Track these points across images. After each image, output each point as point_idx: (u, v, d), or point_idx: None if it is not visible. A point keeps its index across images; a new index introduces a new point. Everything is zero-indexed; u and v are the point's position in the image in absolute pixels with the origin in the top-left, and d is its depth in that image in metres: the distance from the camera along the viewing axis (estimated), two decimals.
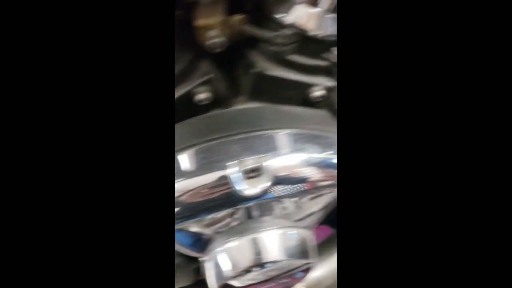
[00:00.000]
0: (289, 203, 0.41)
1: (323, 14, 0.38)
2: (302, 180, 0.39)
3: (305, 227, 0.42)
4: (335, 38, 0.40)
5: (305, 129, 0.39)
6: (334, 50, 0.40)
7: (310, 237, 0.41)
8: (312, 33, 0.38)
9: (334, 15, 0.39)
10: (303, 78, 0.40)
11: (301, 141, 0.39)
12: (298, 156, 0.38)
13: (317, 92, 0.41)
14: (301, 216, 0.42)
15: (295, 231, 0.40)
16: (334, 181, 0.39)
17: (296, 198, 0.40)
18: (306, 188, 0.39)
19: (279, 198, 0.39)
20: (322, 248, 0.49)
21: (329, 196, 0.40)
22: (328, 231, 0.51)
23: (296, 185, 0.39)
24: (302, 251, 0.39)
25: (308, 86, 0.41)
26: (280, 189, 0.38)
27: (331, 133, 0.40)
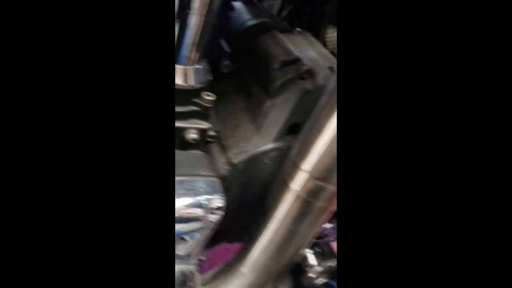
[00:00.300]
0: (189, 239, 0.44)
1: (187, 68, 0.41)
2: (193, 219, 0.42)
3: (189, 263, 0.45)
4: (204, 85, 0.44)
5: (180, 174, 0.42)
6: (204, 95, 0.44)
7: (193, 272, 0.44)
8: (178, 85, 0.41)
9: (199, 67, 0.42)
10: (176, 123, 0.43)
11: (180, 186, 0.42)
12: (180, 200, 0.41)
13: (192, 135, 0.44)
14: (186, 252, 0.46)
15: (177, 268, 0.43)
16: (209, 221, 0.43)
17: (196, 234, 0.44)
18: (201, 225, 0.43)
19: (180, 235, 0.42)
20: (216, 277, 0.53)
21: (205, 231, 0.44)
22: (223, 258, 0.54)
23: (192, 223, 0.42)
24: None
25: (182, 129, 0.44)
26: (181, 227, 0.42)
27: (204, 177, 0.44)
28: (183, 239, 0.42)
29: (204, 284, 0.51)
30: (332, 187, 0.40)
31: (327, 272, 0.54)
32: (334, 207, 0.43)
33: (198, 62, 0.42)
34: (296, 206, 0.42)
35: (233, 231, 0.57)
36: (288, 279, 0.61)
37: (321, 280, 0.54)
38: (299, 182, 0.41)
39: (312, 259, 0.56)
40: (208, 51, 0.44)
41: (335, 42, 0.61)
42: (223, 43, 0.53)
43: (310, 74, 0.48)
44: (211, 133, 0.46)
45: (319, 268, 0.53)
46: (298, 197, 0.41)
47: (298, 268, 0.57)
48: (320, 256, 0.57)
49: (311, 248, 0.57)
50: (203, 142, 0.46)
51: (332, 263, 0.52)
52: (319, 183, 0.40)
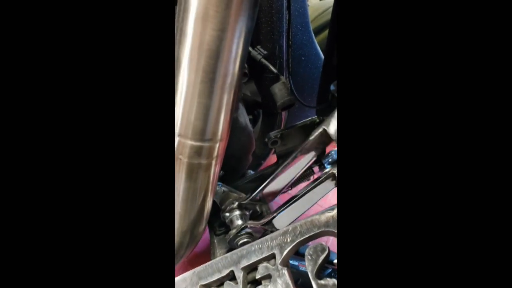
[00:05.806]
0: None
1: None
2: None
3: None
4: None
5: None
6: None
7: None
8: None
9: None
10: None
11: None
12: None
13: None
14: None
15: None
16: None
17: None
18: None
19: None
20: None
21: None
22: None
23: None
24: None
25: None
26: None
27: None
28: None
29: None
30: (207, 144, 0.44)
31: (246, 233, 0.58)
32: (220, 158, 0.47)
33: None
34: (182, 170, 0.47)
35: None
36: (224, 240, 0.66)
37: (242, 239, 0.58)
38: (179, 149, 0.44)
39: (237, 220, 0.60)
40: None
41: None
42: None
43: None
44: None
45: (237, 228, 0.58)
46: (181, 163, 0.46)
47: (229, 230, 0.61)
48: (243, 218, 0.61)
49: (239, 209, 0.61)
50: None
51: (251, 223, 0.56)
52: (192, 142, 0.43)
